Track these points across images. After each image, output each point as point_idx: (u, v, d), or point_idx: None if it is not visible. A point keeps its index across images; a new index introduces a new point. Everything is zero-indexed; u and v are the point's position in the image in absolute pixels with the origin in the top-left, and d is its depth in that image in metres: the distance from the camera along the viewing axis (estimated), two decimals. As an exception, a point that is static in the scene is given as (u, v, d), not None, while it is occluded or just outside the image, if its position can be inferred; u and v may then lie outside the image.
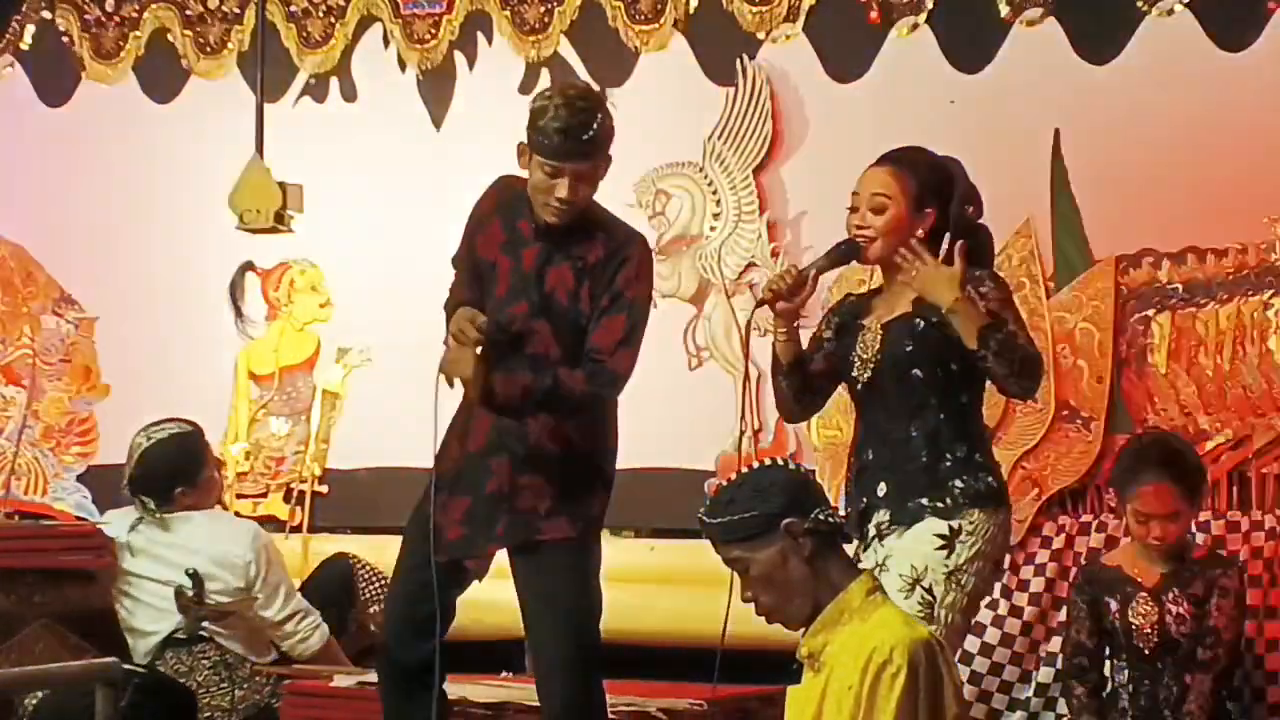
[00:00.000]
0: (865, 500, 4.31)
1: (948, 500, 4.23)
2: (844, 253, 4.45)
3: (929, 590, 4.17)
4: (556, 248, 4.43)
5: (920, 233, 4.31)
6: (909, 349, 4.29)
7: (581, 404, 4.43)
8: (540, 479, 4.45)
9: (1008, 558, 5.78)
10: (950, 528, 4.21)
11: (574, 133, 4.34)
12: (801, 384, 4.47)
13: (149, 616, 5.49)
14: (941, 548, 4.20)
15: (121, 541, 5.55)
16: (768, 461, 3.54)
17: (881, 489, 4.27)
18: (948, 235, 4.34)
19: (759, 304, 4.50)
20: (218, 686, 5.45)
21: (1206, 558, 5.15)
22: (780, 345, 4.43)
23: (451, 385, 4.39)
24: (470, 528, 4.45)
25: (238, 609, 5.44)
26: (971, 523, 4.22)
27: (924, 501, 4.23)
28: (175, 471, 5.54)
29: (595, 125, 4.36)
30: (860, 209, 4.36)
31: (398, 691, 4.49)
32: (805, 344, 4.50)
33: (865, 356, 4.36)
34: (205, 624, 5.43)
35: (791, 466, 3.52)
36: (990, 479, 4.28)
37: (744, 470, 3.51)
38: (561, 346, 4.43)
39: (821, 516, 3.42)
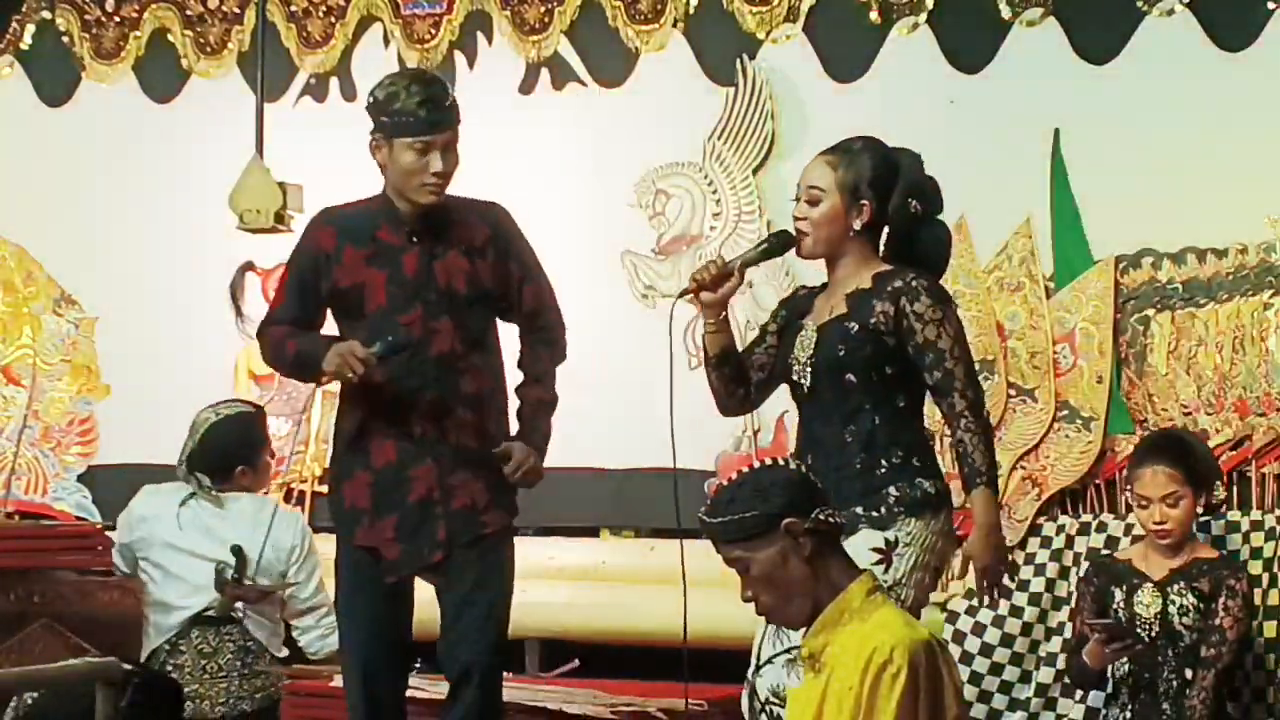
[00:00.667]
0: None
1: (882, 509, 4.16)
2: (774, 246, 4.42)
3: None
4: (436, 242, 4.44)
5: (856, 225, 4.25)
6: (841, 353, 4.21)
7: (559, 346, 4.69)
8: (470, 476, 4.46)
9: (1008, 557, 5.80)
10: (886, 540, 4.14)
11: (436, 101, 4.43)
12: (732, 376, 4.39)
13: (182, 591, 5.48)
14: (879, 562, 4.09)
15: (167, 514, 5.54)
16: (768, 461, 3.54)
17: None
18: (888, 229, 4.29)
19: (680, 294, 4.41)
20: (239, 672, 5.46)
21: (1217, 559, 5.17)
22: (708, 337, 4.36)
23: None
24: (408, 541, 4.45)
25: (273, 594, 5.47)
26: (909, 533, 4.16)
27: (859, 510, 4.15)
28: (237, 451, 5.57)
29: (449, 95, 4.48)
30: (798, 200, 4.32)
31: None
32: (760, 335, 4.45)
33: (802, 359, 4.28)
34: (239, 605, 5.45)
35: (792, 466, 3.52)
36: (927, 484, 4.20)
37: (744, 470, 3.51)
38: (464, 340, 4.45)
39: (822, 516, 3.42)
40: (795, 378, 4.30)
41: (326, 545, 5.76)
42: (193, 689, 5.40)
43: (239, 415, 5.67)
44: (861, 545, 4.10)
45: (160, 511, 5.53)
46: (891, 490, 4.17)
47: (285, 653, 5.58)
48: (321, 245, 4.51)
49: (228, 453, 5.53)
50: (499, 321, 4.63)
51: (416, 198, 4.43)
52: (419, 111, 4.39)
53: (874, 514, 4.15)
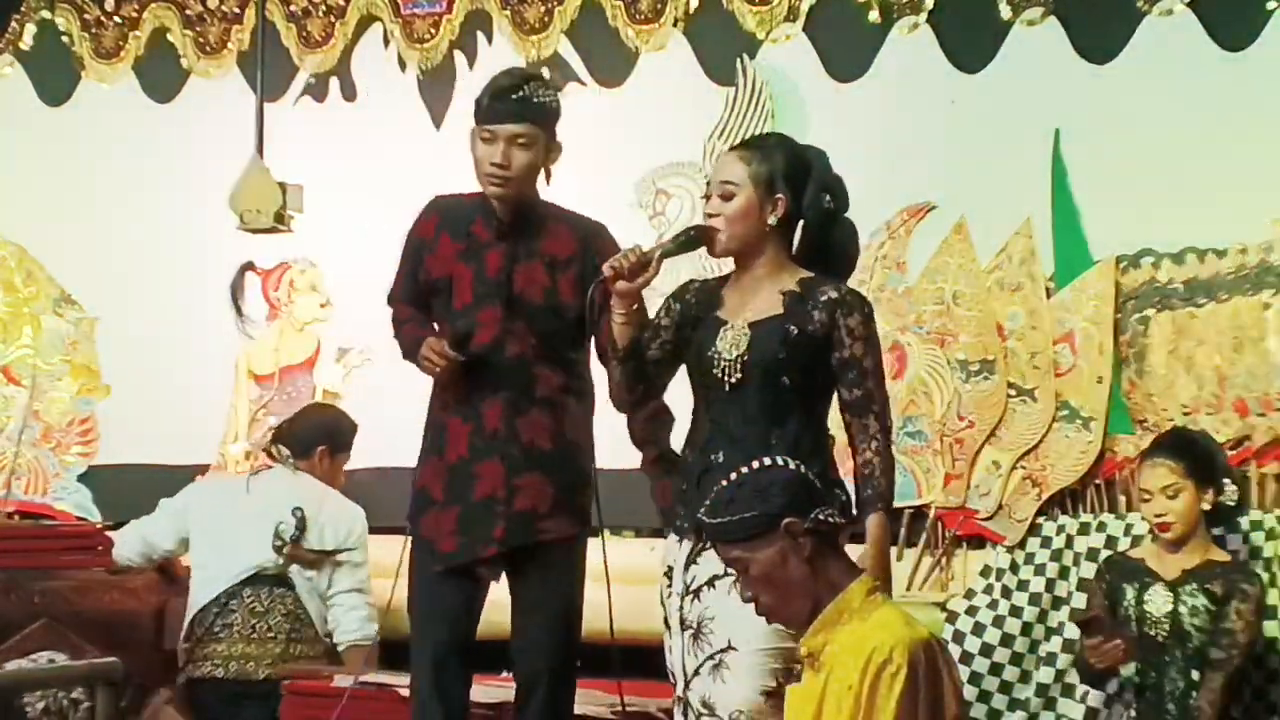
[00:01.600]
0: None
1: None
2: (693, 239, 4.35)
3: None
4: (520, 246, 4.43)
5: (771, 220, 4.22)
6: (781, 355, 4.16)
7: None
8: (537, 478, 4.45)
9: (1008, 558, 5.80)
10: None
11: (503, 94, 4.42)
12: (636, 372, 4.30)
13: (235, 548, 5.56)
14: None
15: (236, 484, 5.73)
16: (767, 461, 3.54)
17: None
18: (801, 224, 4.25)
19: (597, 282, 4.30)
20: (287, 636, 5.52)
21: (1230, 562, 5.18)
22: (618, 327, 4.25)
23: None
24: (465, 535, 4.45)
25: (325, 565, 5.53)
26: None
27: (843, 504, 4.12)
28: (324, 432, 5.86)
29: (526, 89, 4.43)
30: (711, 196, 4.28)
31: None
32: (653, 330, 4.36)
33: (730, 356, 4.20)
34: (293, 570, 5.51)
35: (791, 466, 3.52)
36: (843, 495, 4.13)
37: (744, 470, 3.51)
38: (539, 347, 4.44)
39: (821, 516, 3.43)
40: (716, 373, 4.21)
41: (376, 547, 5.83)
42: (239, 648, 5.47)
43: (339, 411, 6.07)
44: None
45: (229, 483, 5.67)
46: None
47: (329, 639, 5.65)
48: (423, 233, 4.55)
49: (314, 430, 5.77)
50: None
51: (483, 187, 4.45)
52: (485, 100, 4.42)
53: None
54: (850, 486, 4.20)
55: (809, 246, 4.28)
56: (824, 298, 4.18)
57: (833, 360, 4.17)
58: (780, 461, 3.55)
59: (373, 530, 6.11)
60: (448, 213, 4.53)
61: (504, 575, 4.54)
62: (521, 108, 4.41)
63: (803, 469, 3.54)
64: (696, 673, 4.14)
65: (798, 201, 4.23)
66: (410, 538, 4.57)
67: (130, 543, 5.87)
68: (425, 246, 4.51)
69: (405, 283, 4.61)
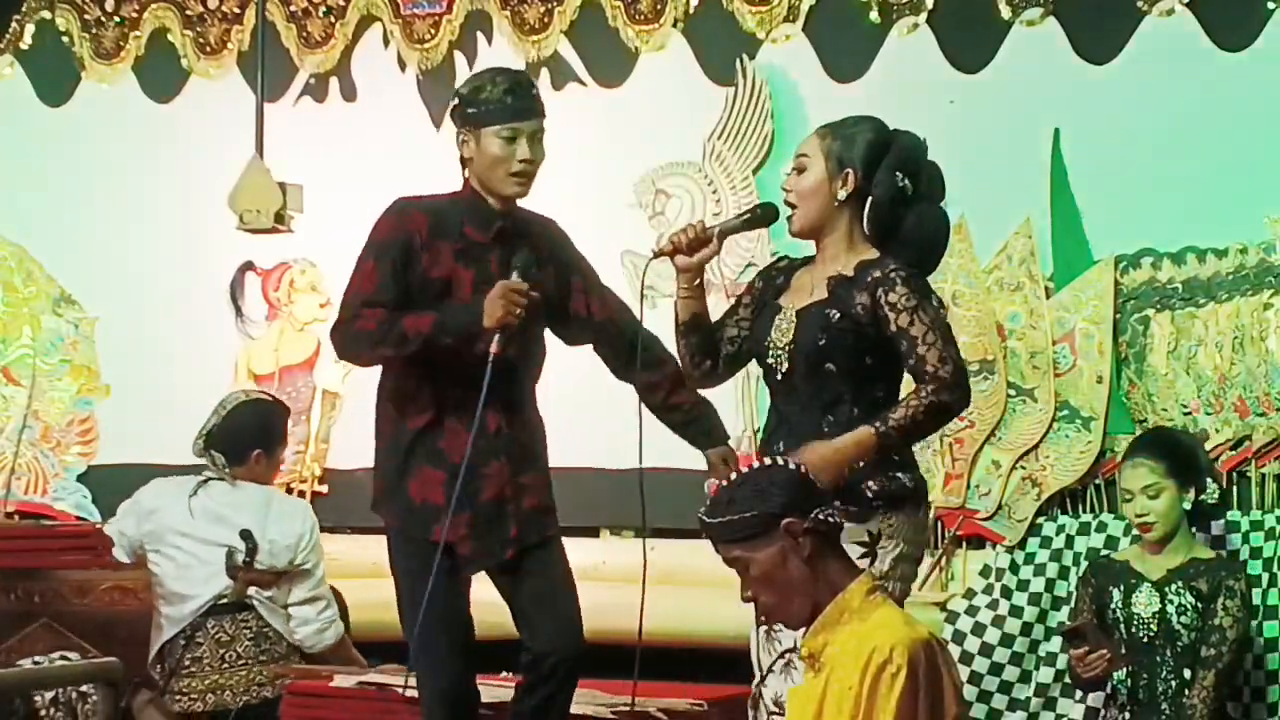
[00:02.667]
0: None
1: (861, 503, 4.07)
2: (758, 216, 4.35)
3: None
4: (515, 246, 4.43)
5: (841, 195, 4.18)
6: (821, 342, 4.13)
7: None
8: (536, 476, 4.47)
9: (1007, 557, 5.80)
10: (869, 533, 4.07)
11: (524, 89, 4.43)
12: (700, 346, 4.32)
13: (197, 579, 5.49)
14: (863, 555, 4.02)
15: (178, 504, 5.55)
16: (767, 461, 3.54)
17: None
18: (869, 201, 4.19)
19: (655, 255, 4.35)
20: (256, 660, 5.48)
21: (1215, 559, 5.18)
22: (680, 302, 4.29)
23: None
24: (479, 539, 4.44)
25: (286, 579, 5.49)
26: (891, 525, 4.09)
27: (836, 504, 4.01)
28: (257, 434, 5.65)
29: (535, 87, 4.49)
30: (789, 173, 4.27)
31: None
32: (733, 308, 4.39)
33: (780, 345, 4.20)
34: (252, 591, 5.47)
35: (791, 466, 3.52)
36: (905, 478, 4.12)
37: (743, 470, 3.51)
38: (522, 343, 4.45)
39: (821, 516, 3.42)
40: (771, 361, 4.22)
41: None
42: (212, 680, 5.43)
43: (266, 402, 5.82)
44: (844, 539, 3.99)
45: (170, 502, 5.55)
46: (871, 485, 4.09)
47: (299, 654, 5.61)
48: (413, 232, 4.44)
49: (247, 434, 5.60)
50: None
51: (503, 189, 4.41)
52: (505, 99, 4.39)
53: (851, 508, 4.03)
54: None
55: (876, 225, 4.20)
56: (869, 279, 4.13)
57: (886, 337, 4.11)
58: (780, 461, 3.55)
59: (373, 530, 6.11)
60: (435, 213, 4.47)
61: (494, 576, 4.53)
62: (538, 103, 4.46)
63: (802, 468, 3.54)
64: (770, 670, 4.15)
65: (869, 178, 4.18)
66: (402, 547, 4.53)
67: (117, 541, 5.82)
68: (421, 246, 4.45)
69: (386, 285, 4.40)
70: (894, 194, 4.19)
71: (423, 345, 4.34)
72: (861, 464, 4.07)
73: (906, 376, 4.19)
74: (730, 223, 4.36)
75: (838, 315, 4.13)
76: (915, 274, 4.16)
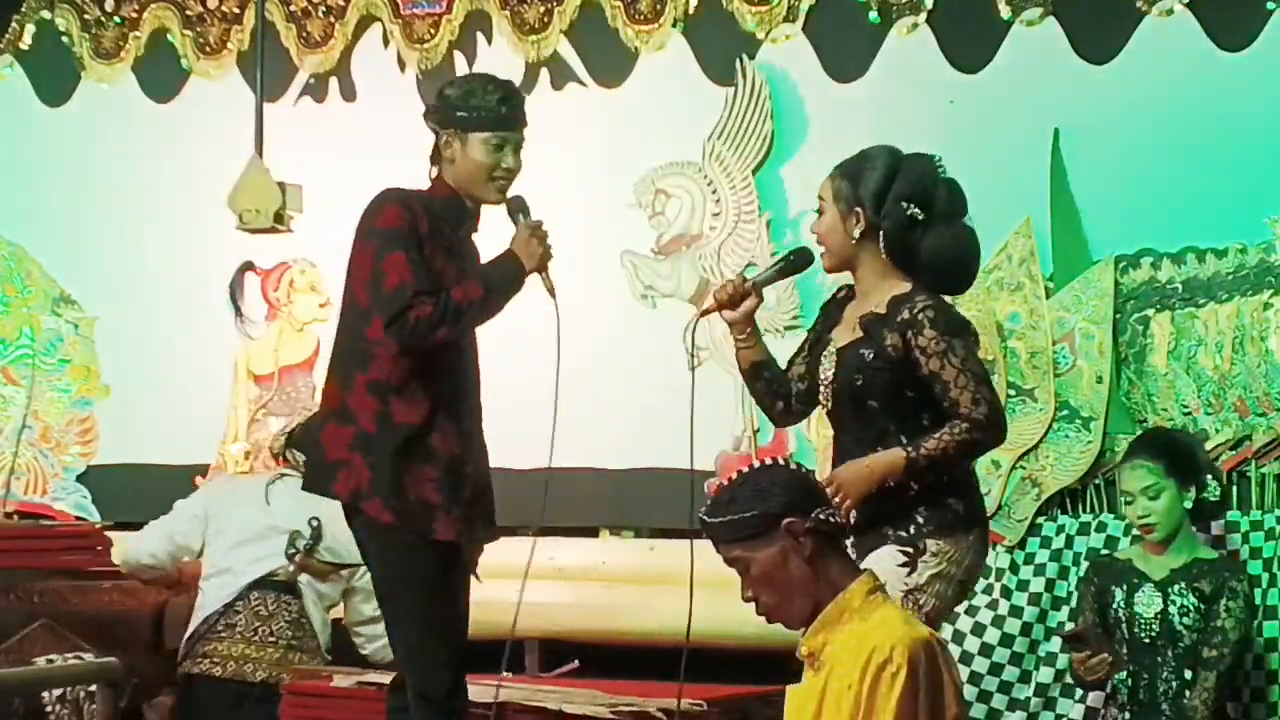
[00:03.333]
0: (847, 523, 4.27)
1: (911, 529, 4.18)
2: (792, 263, 4.47)
3: None
4: (474, 247, 4.49)
5: (855, 234, 4.26)
6: (859, 382, 4.23)
7: None
8: (490, 475, 4.54)
9: (1007, 557, 5.80)
10: (915, 547, 4.16)
11: (515, 100, 4.50)
12: (767, 390, 4.46)
13: (251, 556, 5.53)
14: (904, 564, 4.14)
15: (255, 489, 5.66)
16: (768, 461, 3.54)
17: (852, 516, 4.17)
18: (881, 234, 4.26)
19: (701, 313, 4.54)
20: (288, 642, 5.50)
21: (1218, 559, 5.18)
22: (738, 353, 4.45)
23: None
24: (469, 528, 4.44)
25: (335, 578, 5.51)
26: (937, 546, 4.17)
27: (888, 532, 4.18)
28: None
29: (523, 96, 4.56)
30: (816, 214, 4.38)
31: None
32: (801, 346, 4.49)
33: (825, 382, 4.32)
34: (303, 579, 5.50)
35: (792, 466, 3.52)
36: (957, 504, 4.20)
37: (744, 470, 3.51)
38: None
39: (822, 516, 3.42)
40: (821, 399, 4.35)
41: None
42: (240, 649, 5.46)
43: None
44: (887, 556, 4.14)
45: (249, 486, 5.64)
46: (922, 510, 4.18)
47: (329, 657, 5.63)
48: (418, 222, 4.47)
49: None
50: None
51: (484, 194, 4.46)
52: (499, 107, 4.45)
53: (902, 534, 4.18)
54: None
55: (893, 255, 4.29)
56: (899, 319, 4.21)
57: (920, 378, 4.19)
58: (781, 461, 3.55)
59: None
60: (428, 208, 4.50)
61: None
62: (524, 114, 4.53)
63: (803, 468, 3.54)
64: None
65: (879, 213, 4.26)
66: (401, 549, 4.52)
67: (155, 541, 5.80)
68: (423, 239, 4.47)
69: (423, 270, 4.40)
70: (904, 223, 4.27)
71: (477, 312, 4.40)
72: (902, 484, 4.17)
73: None
74: (766, 274, 4.49)
75: (871, 355, 4.22)
76: (943, 309, 4.23)
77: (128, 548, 5.87)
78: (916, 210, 4.27)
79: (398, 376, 4.41)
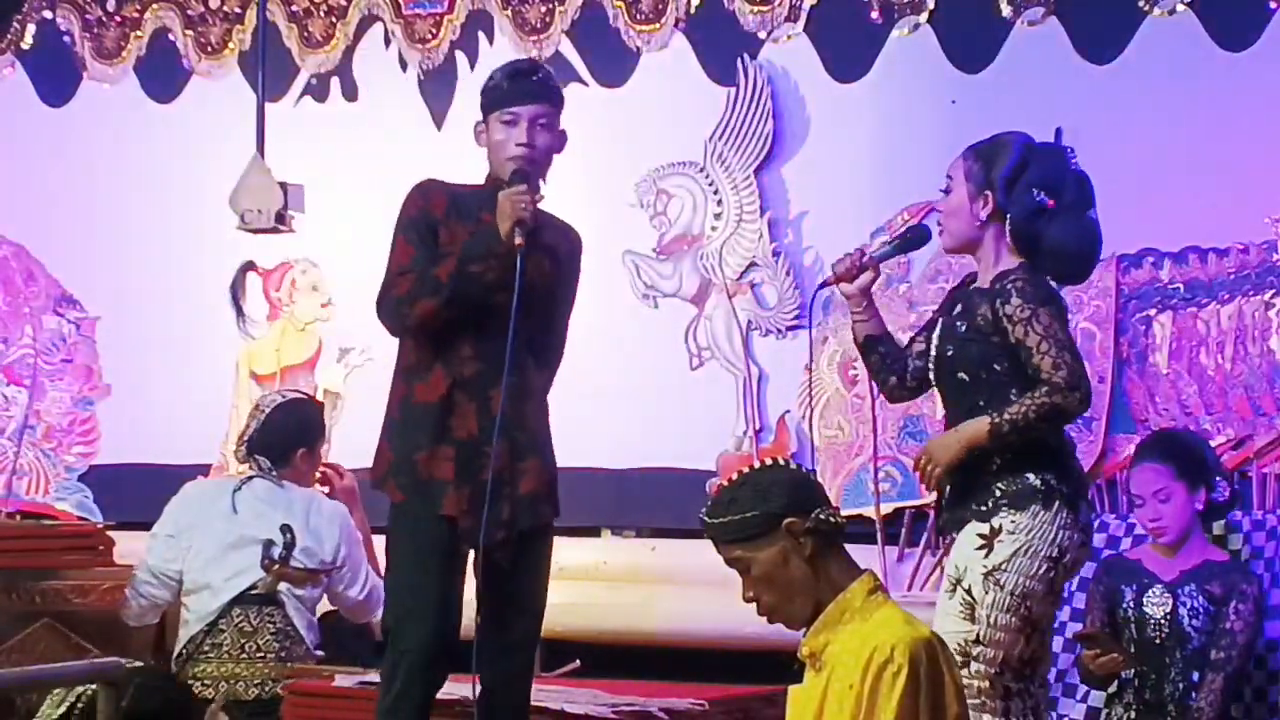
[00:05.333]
0: (940, 501, 4.37)
1: (989, 503, 4.23)
2: (910, 240, 4.59)
3: (969, 591, 4.18)
4: (531, 237, 4.42)
5: (982, 216, 4.32)
6: (950, 352, 4.32)
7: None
8: (536, 463, 4.45)
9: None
10: (991, 527, 4.21)
11: (523, 74, 4.48)
12: (879, 365, 4.51)
13: (228, 572, 5.51)
14: (981, 547, 4.20)
15: (222, 499, 5.57)
16: (769, 461, 3.54)
17: (947, 491, 4.30)
18: (1009, 219, 4.32)
19: (821, 284, 4.62)
20: (276, 655, 5.48)
21: (1229, 562, 5.17)
22: (854, 325, 4.52)
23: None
24: (476, 517, 4.43)
25: (315, 583, 5.51)
26: (1014, 522, 4.20)
27: (971, 506, 4.25)
28: (298, 432, 5.67)
29: (542, 71, 4.55)
30: (941, 191, 4.43)
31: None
32: (928, 323, 4.54)
33: (929, 358, 4.41)
34: (283, 587, 5.48)
35: (793, 466, 3.52)
36: (1034, 478, 4.22)
37: (745, 470, 3.50)
38: (534, 334, 4.45)
39: (823, 516, 3.42)
40: (929, 374, 4.43)
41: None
42: (229, 669, 5.44)
43: (302, 400, 5.84)
44: (970, 533, 4.22)
45: (215, 496, 5.59)
46: (999, 485, 4.22)
47: (320, 654, 5.61)
48: (434, 207, 4.46)
49: (289, 435, 5.63)
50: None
51: (503, 173, 4.44)
52: (504, 83, 4.44)
53: (980, 508, 4.23)
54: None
55: (1019, 241, 4.33)
56: (993, 289, 4.27)
57: (1011, 349, 4.25)
58: (781, 461, 3.55)
59: (373, 530, 6.12)
60: (456, 196, 4.50)
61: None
62: (542, 88, 4.48)
63: (804, 468, 3.54)
64: None
65: (1009, 198, 4.31)
66: (403, 515, 4.51)
67: (147, 584, 5.79)
68: (439, 223, 4.47)
69: (418, 253, 4.41)
70: (1032, 211, 4.31)
71: (456, 283, 4.35)
72: (984, 456, 4.22)
73: None
74: (884, 249, 4.57)
75: (964, 326, 4.30)
76: (1034, 280, 4.27)
77: (126, 603, 5.80)
78: (1046, 198, 4.33)
79: (417, 359, 4.44)
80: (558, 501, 4.54)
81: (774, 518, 3.40)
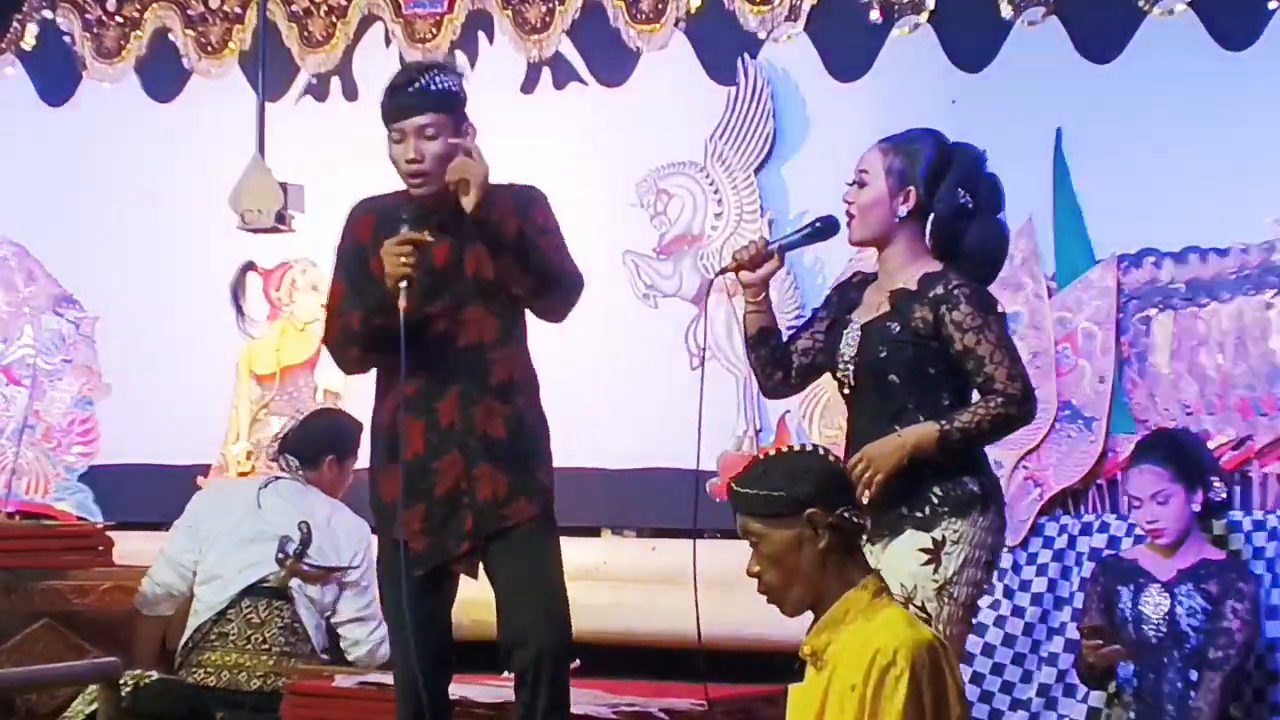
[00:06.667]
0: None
1: (926, 509, 4.17)
2: (818, 230, 4.43)
3: (922, 608, 4.11)
4: (465, 232, 4.39)
5: (901, 212, 4.26)
6: (883, 354, 4.23)
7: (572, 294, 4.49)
8: (493, 467, 4.42)
9: (1009, 557, 5.79)
10: (934, 540, 4.15)
11: (398, 88, 4.40)
12: (769, 359, 4.43)
13: (242, 562, 5.53)
14: (928, 563, 4.13)
15: (247, 494, 5.66)
16: (809, 447, 3.53)
17: (865, 495, 4.15)
18: (931, 217, 4.28)
19: (719, 272, 4.52)
20: (281, 649, 5.50)
21: (1225, 561, 5.17)
22: (747, 316, 4.42)
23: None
24: (434, 534, 4.42)
25: (327, 582, 5.52)
26: (956, 531, 4.17)
27: (903, 510, 4.18)
28: (331, 440, 5.82)
29: (421, 80, 4.40)
30: (850, 185, 4.34)
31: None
32: (809, 320, 4.50)
33: (846, 358, 4.30)
34: (294, 584, 5.50)
35: (831, 459, 3.51)
36: (971, 483, 4.20)
37: (783, 449, 3.49)
38: (493, 329, 4.42)
39: (846, 514, 3.41)
40: (840, 376, 4.33)
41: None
42: (234, 658, 5.46)
43: (341, 413, 5.99)
44: (908, 546, 4.15)
45: (239, 491, 5.65)
46: (936, 490, 4.17)
47: (325, 658, 5.62)
48: (360, 236, 4.49)
49: (321, 439, 5.72)
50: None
51: (410, 189, 4.43)
52: (385, 101, 4.42)
53: (918, 514, 4.17)
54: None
55: (938, 241, 4.31)
56: (931, 294, 4.22)
57: (951, 354, 4.20)
58: (821, 450, 3.53)
59: (374, 530, 6.13)
60: (382, 213, 4.47)
61: (481, 572, 4.51)
62: (420, 99, 4.39)
63: (840, 462, 3.53)
64: None
65: (931, 195, 4.27)
66: (379, 549, 4.55)
67: (161, 570, 5.81)
68: (367, 251, 4.45)
69: (349, 293, 4.45)
70: (955, 210, 4.29)
71: (366, 332, 4.39)
72: (921, 460, 4.16)
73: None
74: (791, 238, 4.47)
75: (898, 328, 4.22)
76: (978, 288, 4.25)
77: (140, 588, 5.84)
78: (968, 199, 4.31)
79: (377, 383, 4.51)
80: (542, 498, 4.49)
81: (798, 503, 3.39)
